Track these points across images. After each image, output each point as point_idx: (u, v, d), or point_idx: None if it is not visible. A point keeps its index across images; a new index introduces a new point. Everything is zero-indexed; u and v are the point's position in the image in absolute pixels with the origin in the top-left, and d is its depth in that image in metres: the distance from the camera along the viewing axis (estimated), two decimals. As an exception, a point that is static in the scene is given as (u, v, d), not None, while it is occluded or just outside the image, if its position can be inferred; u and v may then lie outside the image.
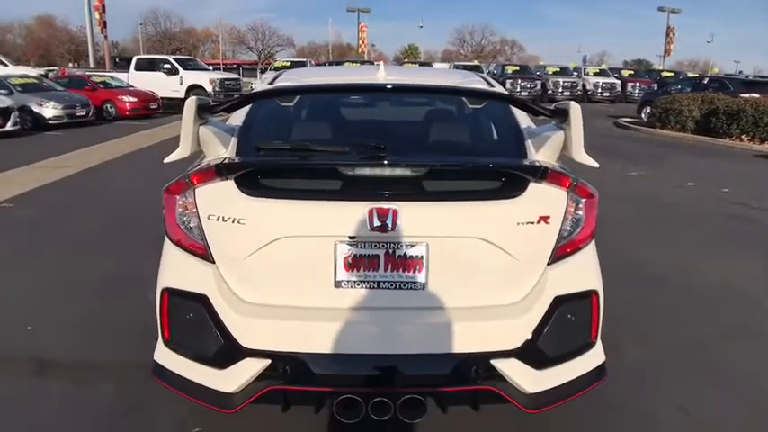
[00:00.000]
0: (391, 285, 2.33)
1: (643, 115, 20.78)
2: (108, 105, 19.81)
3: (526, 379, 2.30)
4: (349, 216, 2.27)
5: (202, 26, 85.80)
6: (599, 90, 32.80)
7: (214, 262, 2.38)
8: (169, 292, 2.42)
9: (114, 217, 6.98)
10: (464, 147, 3.07)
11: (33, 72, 25.56)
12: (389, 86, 2.98)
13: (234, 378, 2.28)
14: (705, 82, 22.06)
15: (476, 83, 3.38)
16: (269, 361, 2.25)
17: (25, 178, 9.13)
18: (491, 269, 2.36)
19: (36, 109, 16.31)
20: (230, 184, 2.35)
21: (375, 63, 6.24)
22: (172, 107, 21.78)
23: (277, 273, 2.35)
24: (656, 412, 3.12)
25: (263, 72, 41.76)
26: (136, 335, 3.31)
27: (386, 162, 2.34)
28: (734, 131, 15.73)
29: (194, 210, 2.38)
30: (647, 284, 5.00)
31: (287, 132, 3.16)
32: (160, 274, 2.48)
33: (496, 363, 2.27)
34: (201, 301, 2.33)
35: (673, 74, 38.17)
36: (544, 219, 2.36)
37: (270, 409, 2.44)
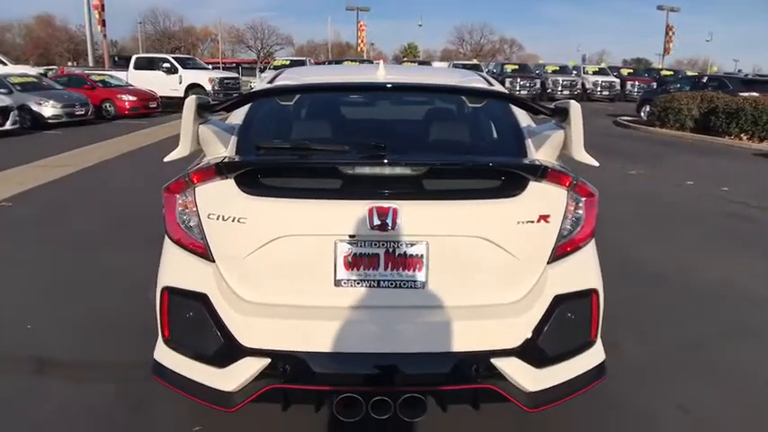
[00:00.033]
0: (391, 284, 2.33)
1: (642, 114, 20.78)
2: (107, 104, 19.81)
3: (526, 378, 2.30)
4: (349, 215, 2.27)
5: (201, 25, 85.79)
6: (598, 89, 32.79)
7: (214, 261, 2.38)
8: (169, 291, 2.42)
9: (114, 216, 6.97)
10: (464, 146, 3.07)
11: (32, 71, 25.55)
12: (389, 85, 2.99)
13: (234, 377, 2.28)
14: (704, 80, 22.08)
15: (475, 82, 3.38)
16: (269, 360, 2.25)
17: (24, 177, 9.12)
18: (491, 268, 2.36)
19: (35, 108, 16.30)
20: (230, 183, 2.35)
21: (375, 62, 6.23)
22: (171, 106, 21.79)
23: (277, 272, 2.35)
24: (656, 411, 3.12)
25: (262, 71, 41.76)
26: (135, 334, 3.31)
27: (386, 161, 2.34)
28: (733, 130, 15.74)
29: (194, 209, 2.38)
30: (646, 283, 5.01)
31: (287, 131, 3.16)
32: (160, 272, 2.48)
33: (496, 361, 2.28)
34: (201, 299, 2.33)
35: (672, 72, 38.18)
36: (544, 217, 2.36)
37: (270, 408, 2.44)
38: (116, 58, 38.69)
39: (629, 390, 3.27)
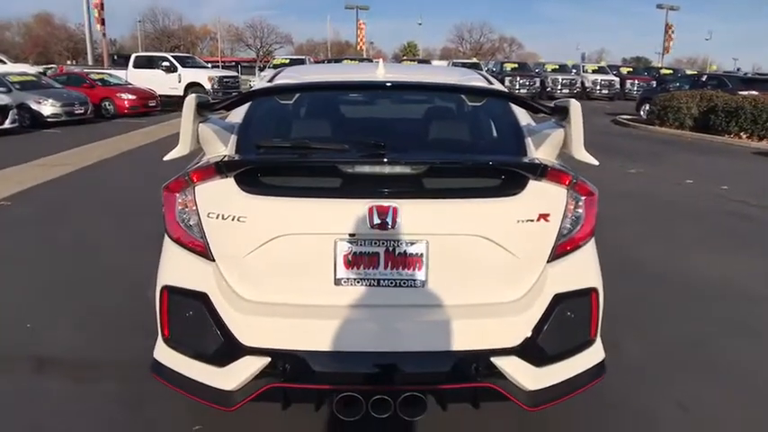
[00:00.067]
0: (391, 283, 2.33)
1: (642, 113, 20.78)
2: (106, 103, 19.79)
3: (526, 376, 2.30)
4: (349, 214, 2.27)
5: (201, 24, 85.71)
6: (598, 87, 32.79)
7: (214, 260, 2.38)
8: (169, 290, 2.42)
9: (113, 215, 6.97)
10: (464, 144, 3.06)
11: (32, 70, 25.59)
12: (389, 84, 2.99)
13: (233, 376, 2.28)
14: (704, 79, 22.09)
15: (475, 80, 3.37)
16: (269, 359, 2.25)
17: (23, 176, 9.12)
18: (491, 267, 2.36)
19: (34, 106, 16.29)
20: (230, 182, 2.35)
21: (374, 60, 6.23)
22: (170, 105, 21.80)
23: (277, 270, 2.35)
24: (656, 409, 3.13)
25: (261, 70, 41.72)
26: (135, 333, 3.31)
27: (385, 160, 2.34)
28: (732, 129, 15.74)
29: (194, 207, 2.38)
30: (646, 282, 5.01)
31: (286, 130, 3.15)
32: (160, 271, 2.48)
33: (496, 360, 2.28)
34: (201, 298, 2.33)
35: (671, 71, 38.23)
36: (544, 216, 2.36)
37: (269, 407, 2.44)
38: (115, 57, 38.61)
39: (628, 389, 3.27)
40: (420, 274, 2.33)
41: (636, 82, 33.66)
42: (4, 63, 27.02)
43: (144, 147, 13.00)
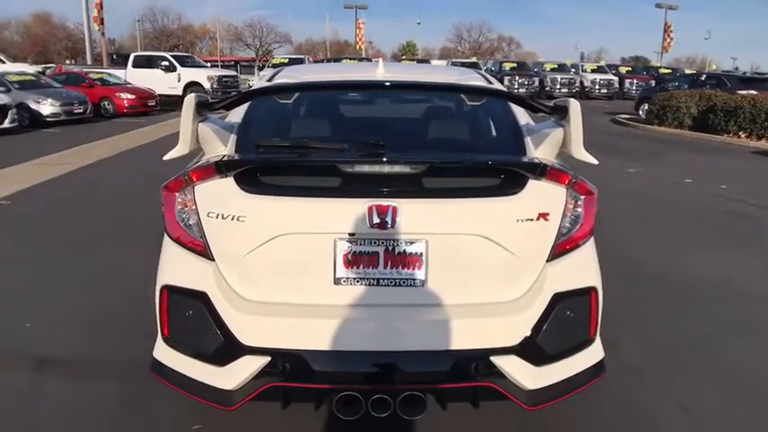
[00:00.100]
0: (391, 282, 2.33)
1: (641, 112, 20.78)
2: (105, 102, 19.78)
3: (525, 376, 2.30)
4: (348, 213, 2.27)
5: (200, 23, 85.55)
6: (596, 87, 32.80)
7: (213, 259, 2.38)
8: (168, 290, 2.42)
9: (113, 214, 6.97)
10: (463, 144, 3.07)
11: (31, 69, 25.56)
12: (388, 83, 2.99)
13: (233, 375, 2.28)
14: (703, 78, 22.08)
15: (474, 80, 3.37)
16: (268, 358, 2.25)
17: (23, 175, 9.11)
18: (490, 266, 2.36)
19: (33, 106, 16.28)
20: (230, 182, 2.35)
21: (374, 60, 6.24)
22: (169, 104, 21.79)
23: (277, 270, 2.35)
24: (656, 409, 3.13)
25: (260, 69, 41.69)
26: (135, 332, 3.31)
27: (385, 159, 2.34)
28: (731, 128, 15.75)
29: (194, 207, 2.38)
30: (645, 281, 5.01)
31: (286, 129, 3.15)
32: (159, 271, 2.48)
33: (496, 359, 2.28)
34: (201, 298, 2.33)
35: (670, 70, 38.25)
36: (543, 216, 2.36)
37: (269, 406, 2.44)
38: (114, 57, 38.54)
39: (628, 388, 3.27)
40: (419, 274, 2.33)
41: (635, 81, 33.67)
42: (3, 62, 27.00)
43: (143, 146, 12.99)
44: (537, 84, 32.06)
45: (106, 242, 5.83)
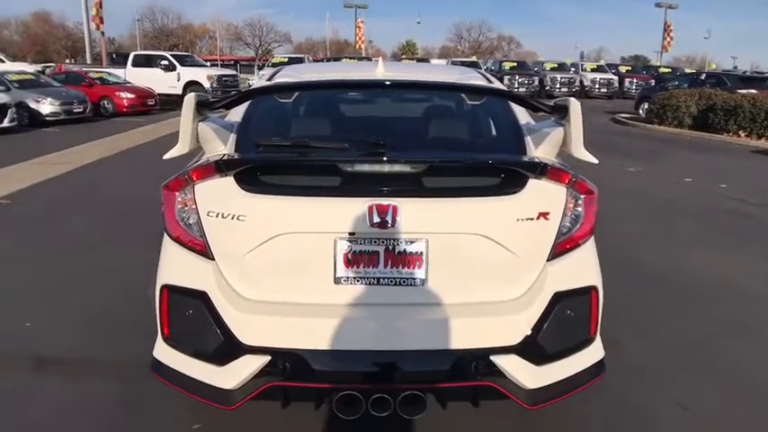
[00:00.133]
0: (391, 282, 2.33)
1: (641, 111, 20.78)
2: (105, 102, 19.76)
3: (526, 375, 2.30)
4: (348, 212, 2.27)
5: (200, 22, 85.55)
6: (596, 86, 32.82)
7: (213, 259, 2.38)
8: (168, 289, 2.42)
9: (113, 213, 6.96)
10: (463, 143, 3.06)
11: (30, 68, 25.51)
12: (388, 83, 2.98)
13: (233, 375, 2.28)
14: (702, 78, 22.06)
15: (474, 79, 3.37)
16: (268, 358, 2.25)
17: (22, 174, 9.10)
18: (491, 265, 2.36)
19: (33, 105, 16.26)
20: (230, 181, 2.35)
21: (374, 59, 6.24)
22: (169, 103, 21.76)
23: (277, 269, 2.35)
24: (656, 409, 3.13)
25: (260, 68, 41.65)
26: (135, 331, 3.31)
27: (385, 158, 2.34)
28: (731, 127, 15.75)
29: (194, 206, 2.38)
30: (645, 280, 5.01)
31: (286, 129, 3.15)
32: (159, 270, 2.48)
33: (496, 359, 2.28)
34: (201, 297, 2.33)
35: (670, 70, 38.23)
36: (543, 215, 2.36)
37: (269, 405, 2.44)
38: (114, 56, 38.51)
39: (628, 388, 3.27)
40: (420, 273, 2.33)
41: (635, 80, 33.67)
42: (3, 62, 26.95)
43: (143, 145, 12.98)
44: (537, 83, 32.04)
45: (106, 241, 5.83)
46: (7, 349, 3.66)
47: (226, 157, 2.45)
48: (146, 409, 3.02)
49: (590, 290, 2.45)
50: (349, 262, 2.32)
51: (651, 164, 11.35)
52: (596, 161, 2.54)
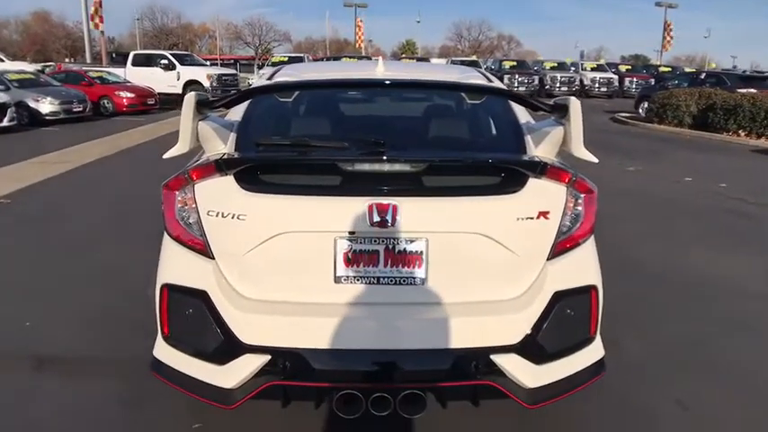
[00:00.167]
0: (391, 281, 2.33)
1: (640, 110, 20.77)
2: (105, 101, 19.73)
3: (526, 374, 2.30)
4: (349, 211, 2.27)
5: (199, 22, 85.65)
6: (596, 85, 32.80)
7: (214, 258, 2.38)
8: (168, 288, 2.42)
9: (113, 213, 6.96)
10: (463, 142, 3.06)
11: (30, 67, 25.49)
12: (388, 82, 2.98)
13: (233, 374, 2.28)
14: (702, 77, 22.05)
15: (474, 78, 3.37)
16: (269, 357, 2.25)
17: (22, 174, 9.10)
18: (491, 264, 2.36)
19: (33, 104, 16.25)
20: (230, 180, 2.35)
21: (374, 58, 6.23)
22: (169, 103, 21.75)
23: (277, 268, 2.35)
24: (656, 408, 3.13)
25: (260, 67, 41.62)
26: (135, 330, 3.32)
27: (385, 157, 2.33)
28: (731, 126, 15.74)
29: (194, 205, 2.38)
30: (645, 280, 5.01)
31: (286, 128, 3.15)
32: (159, 269, 2.48)
33: (496, 358, 2.28)
34: (201, 296, 2.33)
35: (670, 69, 38.24)
36: (543, 214, 2.36)
37: (269, 404, 2.44)
38: (114, 55, 38.42)
39: (628, 387, 3.28)
40: (420, 272, 2.33)
41: (634, 80, 33.66)
42: (3, 61, 26.92)
43: (143, 144, 12.98)
44: (537, 82, 31.98)
45: (106, 241, 5.83)
46: (7, 349, 3.66)
47: (226, 157, 2.44)
48: (146, 409, 3.02)
49: (590, 289, 2.45)
50: (349, 261, 2.32)
51: (651, 163, 11.35)
52: (596, 160, 2.54)
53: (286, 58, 30.88)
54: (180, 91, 23.02)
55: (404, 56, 59.07)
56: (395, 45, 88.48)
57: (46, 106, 16.39)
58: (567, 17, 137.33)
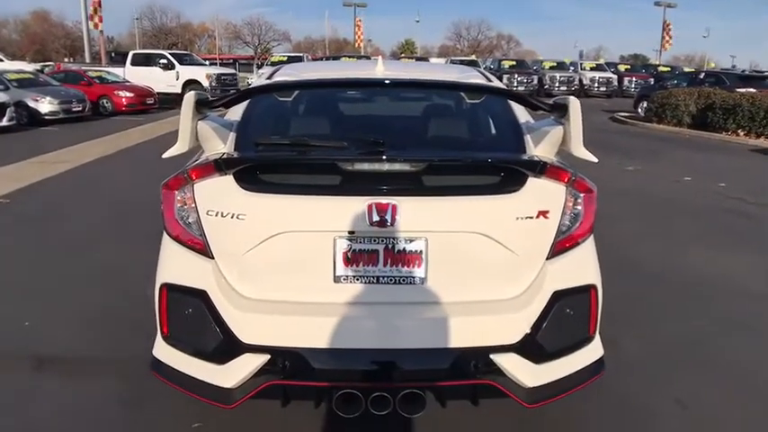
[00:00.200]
0: (390, 280, 2.33)
1: (640, 110, 20.78)
2: (104, 100, 19.72)
3: (525, 373, 2.30)
4: (348, 211, 2.27)
5: (198, 21, 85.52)
6: (595, 85, 32.82)
7: (213, 257, 2.38)
8: (168, 288, 2.42)
9: (112, 212, 6.96)
10: (463, 141, 3.06)
11: (29, 67, 25.46)
12: (388, 81, 2.98)
13: (233, 373, 2.28)
14: (701, 77, 22.07)
15: (474, 78, 3.37)
16: (268, 356, 2.25)
17: (22, 174, 9.10)
18: (490, 264, 2.36)
19: (32, 104, 16.23)
20: (229, 180, 2.35)
21: (373, 58, 6.23)
22: (168, 102, 21.76)
23: (276, 268, 2.35)
24: (655, 407, 3.13)
25: (259, 67, 41.60)
26: (135, 330, 3.31)
27: (384, 157, 2.33)
28: (730, 126, 15.75)
29: (193, 205, 2.38)
30: (644, 279, 5.01)
31: (285, 127, 3.15)
32: (159, 269, 2.48)
33: (495, 357, 2.28)
34: (200, 296, 2.33)
35: (669, 68, 38.26)
36: (543, 213, 2.36)
37: (269, 404, 2.44)
38: (113, 55, 38.37)
39: (627, 385, 3.28)
40: (419, 272, 2.33)
41: (633, 79, 33.65)
42: (2, 61, 26.91)
43: (142, 144, 12.98)
44: (536, 82, 31.97)
45: (105, 240, 5.83)
46: (7, 349, 3.66)
47: (225, 156, 2.44)
48: (145, 408, 3.02)
49: (589, 288, 2.46)
50: (348, 261, 2.32)
51: (650, 163, 11.36)
52: (596, 160, 2.54)
53: (285, 58, 30.89)
54: (179, 90, 23.02)
55: (403, 55, 59.09)
56: (394, 45, 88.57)
57: (45, 106, 16.38)
58: (566, 17, 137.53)
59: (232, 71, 28.56)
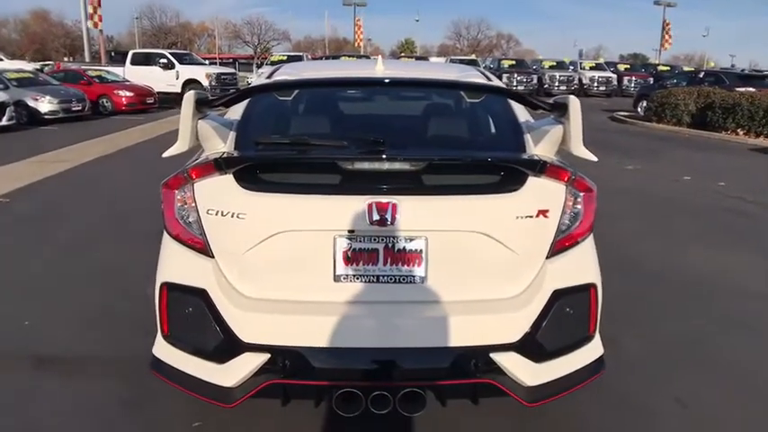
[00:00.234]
0: (391, 279, 2.34)
1: (639, 109, 20.78)
2: (104, 100, 19.70)
3: (525, 372, 2.30)
4: (348, 210, 2.27)
5: (198, 21, 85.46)
6: (595, 84, 32.83)
7: (213, 256, 2.38)
8: (168, 287, 2.42)
9: (112, 212, 6.96)
10: (463, 141, 3.06)
11: (29, 66, 25.48)
12: (388, 80, 2.98)
13: (233, 372, 2.28)
14: (701, 76, 22.07)
15: (474, 77, 3.37)
16: (268, 355, 2.25)
17: (21, 173, 9.09)
18: (490, 263, 2.36)
19: (32, 103, 16.23)
20: (229, 179, 2.35)
21: (373, 57, 6.23)
22: (168, 102, 21.74)
23: (276, 267, 2.35)
24: (655, 406, 3.13)
25: (259, 66, 41.61)
26: (134, 330, 3.31)
27: (384, 156, 2.34)
28: (730, 125, 15.76)
29: (193, 204, 2.38)
30: (644, 279, 5.01)
31: (285, 126, 3.15)
32: (159, 268, 2.48)
33: (495, 356, 2.28)
34: (201, 295, 2.33)
35: (669, 68, 38.25)
36: (543, 212, 2.36)
37: (269, 403, 2.44)
38: (112, 54, 38.35)
39: (627, 384, 3.28)
40: (419, 271, 2.34)
41: (633, 78, 33.66)
42: (1, 60, 26.93)
43: (142, 143, 12.97)
44: (535, 81, 32.00)
45: (105, 240, 5.83)
46: (6, 348, 3.66)
47: (225, 155, 2.45)
48: (145, 408, 3.02)
49: (589, 287, 2.46)
50: (348, 260, 2.32)
51: (650, 162, 11.36)
52: (596, 159, 2.54)
53: (285, 57, 30.88)
54: (179, 90, 23.00)
55: (403, 55, 59.08)
56: (394, 44, 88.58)
57: (45, 105, 16.37)
58: (565, 16, 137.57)
59: (232, 70, 28.55)
